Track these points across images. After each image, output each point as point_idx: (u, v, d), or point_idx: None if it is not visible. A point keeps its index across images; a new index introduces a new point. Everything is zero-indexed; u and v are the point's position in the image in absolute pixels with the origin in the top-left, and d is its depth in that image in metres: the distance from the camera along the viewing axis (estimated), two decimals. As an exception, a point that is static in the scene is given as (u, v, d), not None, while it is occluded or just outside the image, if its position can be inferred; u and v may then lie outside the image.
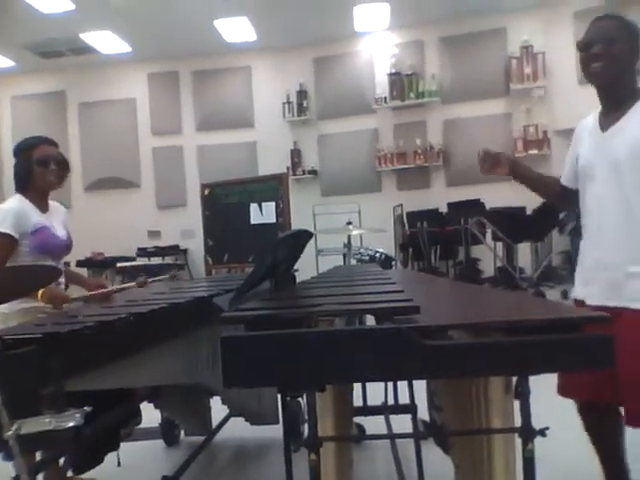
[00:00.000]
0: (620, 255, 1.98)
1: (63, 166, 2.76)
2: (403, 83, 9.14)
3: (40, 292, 2.39)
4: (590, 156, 2.10)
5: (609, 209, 2.01)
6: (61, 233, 2.78)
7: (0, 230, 2.55)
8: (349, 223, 4.61)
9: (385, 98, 9.19)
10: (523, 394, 1.35)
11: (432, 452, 2.62)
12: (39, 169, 2.68)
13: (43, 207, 2.74)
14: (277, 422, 2.81)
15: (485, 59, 8.82)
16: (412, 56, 9.19)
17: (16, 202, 2.65)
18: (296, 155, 9.59)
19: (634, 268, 1.94)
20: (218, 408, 2.97)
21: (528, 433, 1.32)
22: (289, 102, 9.50)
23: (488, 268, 8.08)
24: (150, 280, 3.15)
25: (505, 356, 1.23)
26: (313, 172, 9.52)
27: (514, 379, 1.40)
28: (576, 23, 8.36)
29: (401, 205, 8.55)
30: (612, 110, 2.06)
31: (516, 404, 1.39)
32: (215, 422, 3.35)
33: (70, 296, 2.60)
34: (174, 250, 9.54)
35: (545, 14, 8.66)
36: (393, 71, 9.19)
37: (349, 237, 4.52)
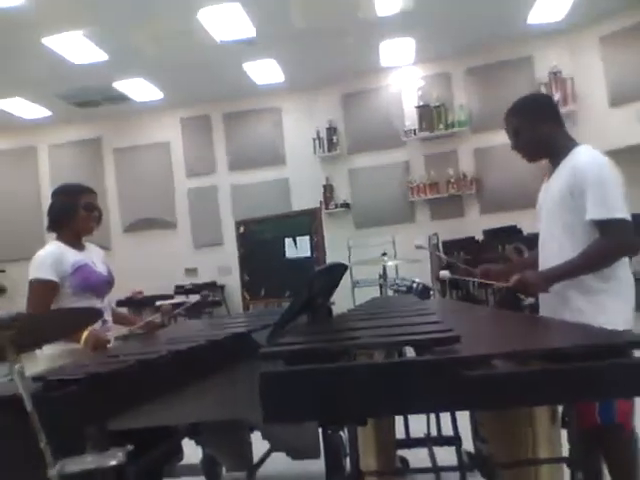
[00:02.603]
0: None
1: (100, 217, 2.88)
2: (432, 114, 9.17)
3: (83, 338, 2.44)
4: (540, 201, 2.47)
5: (547, 246, 2.36)
6: (101, 269, 2.84)
7: (39, 277, 2.61)
8: (384, 254, 4.60)
9: (414, 130, 9.22)
10: (570, 423, 1.31)
11: (479, 485, 2.55)
12: (84, 213, 2.79)
13: (79, 247, 2.82)
14: (318, 456, 2.77)
15: (513, 87, 8.78)
16: (439, 88, 9.23)
17: (53, 247, 2.72)
18: (328, 190, 9.65)
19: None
20: (259, 443, 2.95)
21: (576, 463, 1.28)
22: (319, 138, 9.60)
23: (528, 295, 7.92)
24: (176, 310, 3.20)
25: (550, 384, 1.20)
26: (345, 205, 9.55)
27: (560, 408, 1.37)
28: (603, 47, 8.34)
29: (436, 234, 8.51)
30: (554, 163, 2.37)
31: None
32: (256, 457, 3.32)
33: (111, 338, 2.64)
34: (211, 286, 9.61)
35: (571, 39, 8.64)
36: (421, 103, 9.23)
37: (384, 268, 4.51)
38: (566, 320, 2.09)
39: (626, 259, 2.24)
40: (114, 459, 1.52)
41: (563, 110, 8.49)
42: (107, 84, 8.77)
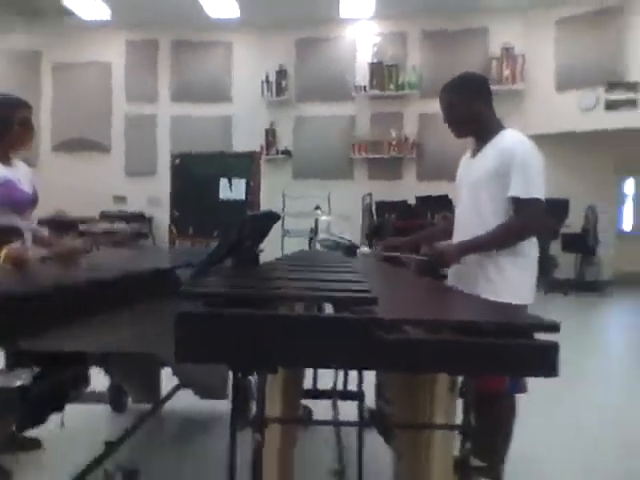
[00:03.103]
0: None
1: (34, 133, 2.78)
2: (383, 73, 9.15)
3: (3, 255, 2.36)
4: (461, 176, 2.60)
5: (468, 218, 2.47)
6: (27, 187, 2.75)
7: None
8: (317, 208, 4.62)
9: (365, 87, 9.19)
10: (467, 393, 1.38)
11: (375, 440, 2.66)
12: (20, 129, 2.68)
13: (6, 162, 2.71)
14: (225, 398, 2.82)
15: (466, 57, 8.88)
16: (394, 47, 9.20)
17: None
18: (271, 134, 9.54)
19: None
20: (168, 378, 2.97)
21: (467, 431, 1.36)
22: (268, 81, 9.43)
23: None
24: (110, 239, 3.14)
25: (453, 355, 1.25)
26: (286, 153, 9.48)
27: (460, 378, 1.44)
28: (558, 29, 8.48)
29: (370, 194, 8.59)
30: (480, 142, 2.49)
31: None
32: (164, 392, 3.35)
33: (33, 258, 2.57)
34: (139, 217, 9.43)
35: (528, 17, 8.76)
36: (374, 60, 9.19)
37: (316, 221, 4.53)
38: (477, 289, 2.25)
39: (534, 239, 2.41)
40: (19, 379, 1.51)
41: (511, 87, 8.66)
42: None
